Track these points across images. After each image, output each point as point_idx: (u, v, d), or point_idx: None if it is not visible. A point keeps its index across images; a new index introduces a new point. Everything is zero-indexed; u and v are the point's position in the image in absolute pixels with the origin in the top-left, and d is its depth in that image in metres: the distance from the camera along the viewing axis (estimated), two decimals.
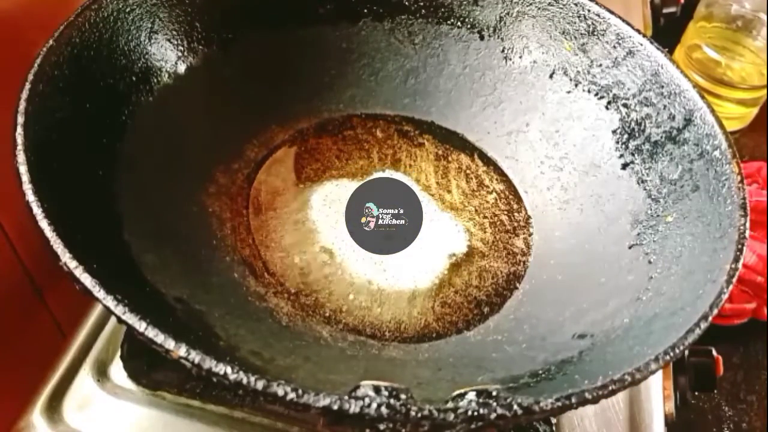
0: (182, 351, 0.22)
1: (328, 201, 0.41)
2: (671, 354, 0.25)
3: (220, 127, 0.42)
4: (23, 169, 0.26)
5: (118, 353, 0.38)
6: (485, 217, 0.42)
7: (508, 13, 0.44)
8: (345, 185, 0.42)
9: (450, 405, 0.22)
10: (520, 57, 0.45)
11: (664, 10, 0.67)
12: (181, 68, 0.40)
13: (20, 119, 0.28)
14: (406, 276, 0.38)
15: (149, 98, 0.38)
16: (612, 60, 0.40)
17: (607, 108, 0.41)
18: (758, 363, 0.45)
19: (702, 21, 0.59)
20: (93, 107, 0.33)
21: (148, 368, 0.37)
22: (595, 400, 0.23)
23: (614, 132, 0.40)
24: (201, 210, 0.38)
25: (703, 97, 0.36)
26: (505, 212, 0.43)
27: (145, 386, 0.37)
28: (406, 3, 0.46)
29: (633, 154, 0.38)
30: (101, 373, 0.38)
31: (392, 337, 0.36)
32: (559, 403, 0.22)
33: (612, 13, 0.40)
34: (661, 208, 0.35)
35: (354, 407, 0.21)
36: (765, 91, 0.58)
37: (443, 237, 0.41)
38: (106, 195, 0.32)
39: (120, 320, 0.23)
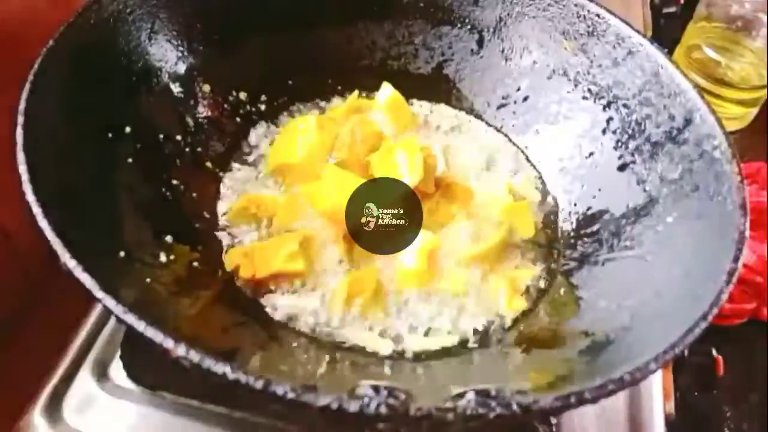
0: (181, 350, 0.22)
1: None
2: (671, 354, 0.25)
3: (219, 128, 0.42)
4: (23, 168, 0.26)
5: (118, 353, 0.38)
6: None
7: (508, 14, 0.44)
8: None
9: (449, 404, 0.22)
10: (520, 57, 0.45)
11: (664, 11, 0.67)
12: (181, 68, 0.40)
13: (21, 119, 0.28)
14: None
15: (149, 98, 0.38)
16: (612, 60, 0.40)
17: (606, 108, 0.41)
18: (758, 363, 0.45)
19: (702, 21, 0.59)
20: (93, 107, 0.33)
21: (148, 368, 0.37)
22: (594, 400, 0.23)
23: (614, 132, 0.40)
24: (201, 210, 0.38)
25: (702, 98, 0.36)
26: None
27: (145, 386, 0.37)
28: (407, 4, 0.46)
29: (633, 155, 0.38)
30: (101, 372, 0.38)
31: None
32: (558, 403, 0.22)
33: (612, 13, 0.40)
34: (660, 208, 0.35)
35: (353, 406, 0.21)
36: (765, 91, 0.58)
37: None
38: (106, 195, 0.32)
39: (119, 320, 0.23)
